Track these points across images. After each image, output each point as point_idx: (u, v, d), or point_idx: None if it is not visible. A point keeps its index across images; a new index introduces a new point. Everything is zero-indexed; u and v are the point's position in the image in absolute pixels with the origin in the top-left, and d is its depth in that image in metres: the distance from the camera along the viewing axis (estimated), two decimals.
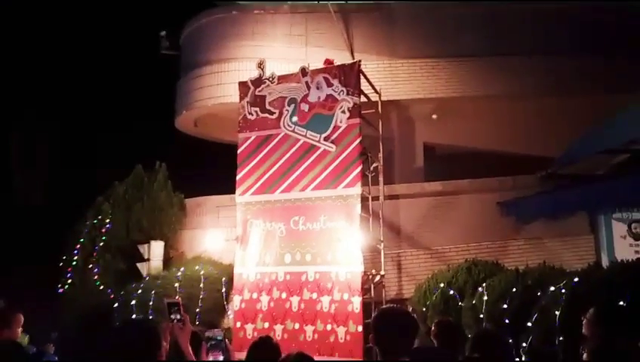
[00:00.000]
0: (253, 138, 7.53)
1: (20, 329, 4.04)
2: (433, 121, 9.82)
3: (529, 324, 4.94)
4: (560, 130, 8.99)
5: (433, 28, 9.38)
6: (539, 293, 5.25)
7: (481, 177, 8.64)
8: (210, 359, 2.45)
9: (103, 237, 8.41)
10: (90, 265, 8.24)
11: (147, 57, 11.77)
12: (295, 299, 6.66)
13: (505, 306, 5.46)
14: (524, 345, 4.81)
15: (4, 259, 10.85)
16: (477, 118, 9.85)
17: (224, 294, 7.31)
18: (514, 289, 5.58)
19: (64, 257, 8.55)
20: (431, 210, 8.40)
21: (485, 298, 5.76)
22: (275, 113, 7.48)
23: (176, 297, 2.98)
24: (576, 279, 4.99)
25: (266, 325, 6.65)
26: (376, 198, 7.70)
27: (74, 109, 14.67)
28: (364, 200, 7.04)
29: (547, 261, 6.46)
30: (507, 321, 5.20)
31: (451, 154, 10.32)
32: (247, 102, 7.66)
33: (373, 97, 8.09)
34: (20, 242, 11.67)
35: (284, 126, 7.38)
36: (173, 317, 2.75)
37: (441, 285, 6.67)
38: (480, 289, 6.09)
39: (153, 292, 7.27)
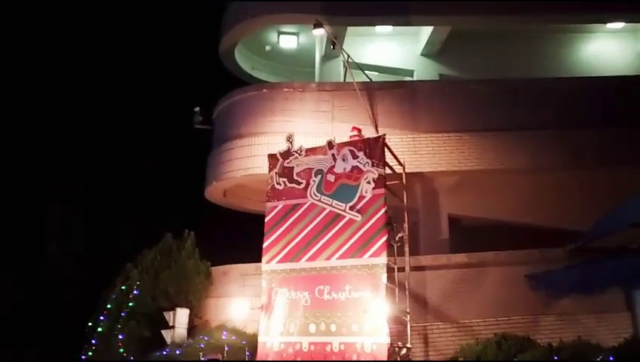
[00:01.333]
0: (280, 207, 7.72)
1: None
2: (457, 193, 9.90)
3: None
4: (587, 202, 8.97)
5: (455, 103, 9.74)
6: None
7: (507, 250, 8.56)
8: None
9: (130, 304, 8.49)
10: (115, 332, 8.27)
11: (181, 130, 12.37)
12: None
13: None
14: None
15: (33, 329, 10.92)
16: (501, 191, 9.91)
17: None
18: None
19: (89, 324, 8.61)
20: (457, 283, 8.29)
21: None
22: (302, 183, 7.71)
23: (217, 355, 3.01)
24: (611, 357, 4.80)
25: None
26: (401, 269, 7.67)
27: (104, 182, 15.28)
28: (389, 270, 7.02)
29: (582, 337, 6.24)
30: None
31: (477, 226, 10.27)
32: (276, 173, 7.94)
33: (398, 169, 8.30)
34: (49, 311, 11.79)
35: (310, 195, 7.58)
36: None
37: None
38: None
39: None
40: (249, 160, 9.74)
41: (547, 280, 8.03)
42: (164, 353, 7.61)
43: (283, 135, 8.30)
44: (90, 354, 8.32)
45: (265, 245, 7.58)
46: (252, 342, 7.35)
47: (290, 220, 7.57)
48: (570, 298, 7.94)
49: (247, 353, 7.31)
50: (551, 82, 10.24)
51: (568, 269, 8.08)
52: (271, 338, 6.94)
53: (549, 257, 8.33)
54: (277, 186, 7.86)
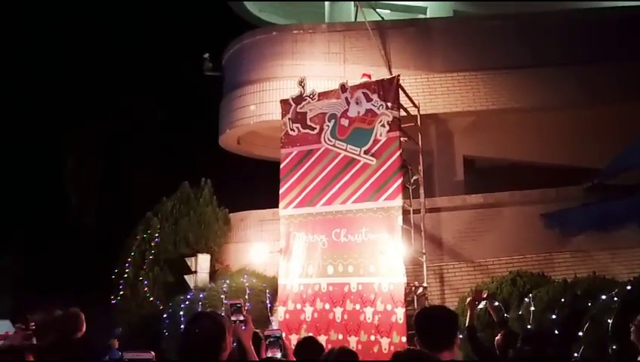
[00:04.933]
0: (295, 153, 7.73)
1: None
2: (473, 134, 9.80)
3: (580, 334, 4.84)
4: (601, 139, 8.83)
5: (469, 41, 9.43)
6: (589, 303, 5.14)
7: (522, 189, 8.55)
8: (269, 355, 2.57)
9: (152, 251, 8.76)
10: (140, 278, 8.59)
11: (192, 78, 12.25)
12: (338, 310, 6.74)
13: (554, 317, 5.37)
14: (575, 355, 4.71)
15: (60, 276, 11.37)
16: (517, 130, 9.78)
17: (268, 305, 7.45)
18: (562, 300, 5.48)
19: (116, 270, 8.94)
20: (473, 223, 8.36)
21: (532, 308, 5.68)
22: (316, 128, 7.67)
23: (239, 299, 3.10)
24: (629, 287, 4.87)
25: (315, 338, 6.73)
26: (417, 211, 7.74)
27: (122, 133, 15.36)
28: (405, 212, 7.09)
29: (596, 273, 6.32)
30: (557, 331, 5.10)
31: (492, 167, 10.24)
32: (289, 118, 7.89)
33: (412, 111, 8.19)
34: (74, 260, 12.21)
35: (324, 141, 7.56)
36: (235, 318, 2.88)
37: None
38: (526, 299, 6.00)
39: (200, 304, 7.49)
40: (261, 106, 9.67)
41: (562, 218, 8.04)
42: (189, 296, 7.91)
43: (294, 79, 8.19)
44: (119, 298, 8.70)
45: (281, 191, 7.66)
46: (272, 284, 7.61)
47: (306, 166, 7.60)
48: (585, 235, 7.94)
49: (268, 295, 7.57)
50: (567, 15, 9.82)
51: (584, 207, 8.06)
52: (290, 281, 7.16)
53: (564, 196, 8.31)
54: (290, 132, 7.84)
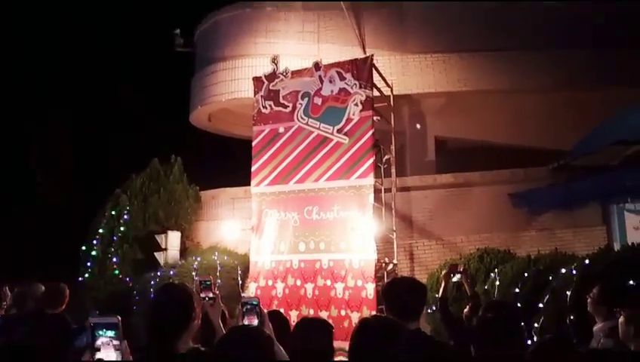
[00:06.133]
0: (267, 131, 7.67)
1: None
2: (444, 115, 9.92)
3: (540, 306, 5.02)
4: (571, 123, 9.05)
5: (443, 23, 9.49)
6: (550, 277, 5.33)
7: (492, 170, 8.73)
8: (246, 322, 2.56)
9: (122, 228, 8.62)
10: (109, 255, 8.46)
11: (162, 54, 11.98)
12: (309, 286, 6.79)
13: (517, 290, 5.55)
14: (535, 325, 4.89)
15: (27, 256, 11.10)
16: (488, 112, 9.94)
17: (239, 282, 7.45)
18: (525, 274, 5.66)
19: (83, 247, 8.77)
20: (442, 202, 8.51)
21: (497, 283, 5.85)
22: (288, 107, 7.61)
23: (208, 276, 3.08)
24: (587, 261, 5.06)
25: (281, 311, 6.77)
26: (388, 190, 7.81)
27: (89, 108, 14.95)
28: (376, 191, 7.14)
29: (558, 250, 6.55)
30: (520, 305, 5.28)
31: (463, 148, 10.40)
32: (262, 96, 7.80)
33: (386, 91, 8.21)
34: (41, 238, 11.93)
35: (297, 119, 7.51)
36: (204, 295, 2.85)
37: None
38: (492, 275, 6.18)
39: (170, 280, 7.42)
40: (233, 83, 9.56)
41: (529, 197, 8.27)
42: (159, 274, 7.84)
43: (268, 57, 8.08)
44: (86, 276, 8.55)
45: (253, 169, 7.60)
46: (244, 261, 7.59)
47: (278, 144, 7.55)
48: (550, 214, 8.22)
49: (240, 272, 7.56)
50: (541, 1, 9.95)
51: (550, 187, 8.31)
52: (262, 257, 7.17)
53: (532, 176, 8.54)
54: (263, 110, 7.76)
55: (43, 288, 4.46)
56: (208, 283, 2.90)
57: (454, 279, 4.56)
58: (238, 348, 2.05)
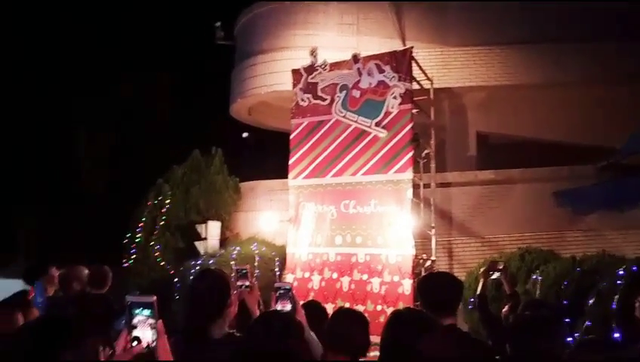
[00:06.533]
0: (305, 124, 7.68)
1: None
2: (487, 109, 9.67)
3: (585, 309, 4.85)
4: (619, 119, 8.65)
5: (485, 15, 9.22)
6: (596, 280, 5.13)
7: (535, 167, 8.46)
8: (279, 307, 2.60)
9: (163, 217, 8.87)
10: (152, 243, 8.73)
11: (204, 47, 12.18)
12: (346, 280, 6.79)
13: (560, 291, 5.37)
14: (580, 328, 4.73)
15: (73, 240, 11.57)
16: (531, 106, 9.62)
17: (277, 273, 7.53)
18: (569, 276, 5.47)
19: (128, 235, 9.07)
20: (483, 199, 8.33)
21: (539, 283, 5.68)
22: (326, 99, 7.60)
23: (245, 265, 3.15)
24: (634, 267, 4.85)
25: (319, 302, 6.80)
26: (427, 185, 7.71)
27: (134, 102, 15.39)
28: (415, 186, 7.06)
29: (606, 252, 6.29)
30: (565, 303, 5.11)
31: (505, 143, 10.13)
32: (300, 89, 7.82)
33: (425, 85, 8.09)
34: (86, 225, 12.41)
35: (335, 112, 7.50)
36: (240, 283, 2.91)
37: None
38: (534, 276, 6.00)
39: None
40: (272, 76, 9.61)
41: (574, 196, 7.95)
42: (199, 262, 8.03)
43: (306, 49, 8.08)
44: (130, 262, 8.85)
45: (291, 161, 7.65)
46: (281, 252, 7.67)
47: (316, 137, 7.56)
48: (596, 214, 7.89)
49: (277, 262, 7.64)
50: None
51: (597, 186, 7.98)
52: (299, 249, 7.22)
53: (578, 174, 8.21)
54: (301, 103, 7.78)
55: (87, 271, 4.61)
56: (245, 271, 2.96)
57: (493, 277, 4.45)
58: (268, 332, 2.07)
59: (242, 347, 2.11)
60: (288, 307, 2.58)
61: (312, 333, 2.59)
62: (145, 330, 1.98)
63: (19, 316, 3.24)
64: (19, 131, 15.57)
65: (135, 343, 1.95)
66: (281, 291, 2.61)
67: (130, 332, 1.97)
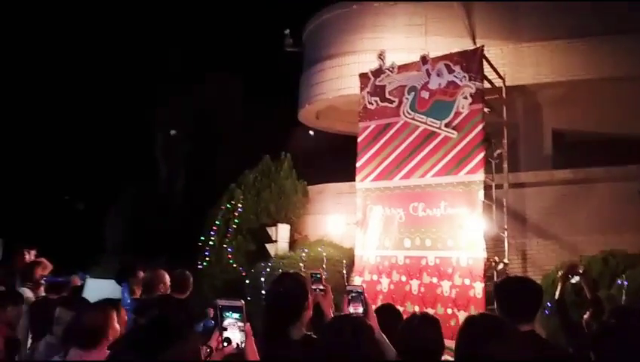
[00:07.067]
0: (372, 127, 7.70)
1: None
2: (563, 106, 9.23)
3: None
4: None
5: (559, 7, 8.79)
6: None
7: (616, 165, 7.96)
8: (352, 310, 2.66)
9: (236, 220, 9.25)
10: (225, 245, 9.11)
11: (273, 54, 12.53)
12: (415, 283, 6.75)
13: None
14: None
15: (153, 242, 12.26)
16: (611, 102, 9.06)
17: (345, 275, 7.61)
18: None
19: (202, 238, 9.53)
20: (560, 200, 7.95)
21: (625, 288, 5.34)
22: (394, 102, 7.58)
23: (319, 270, 3.25)
24: None
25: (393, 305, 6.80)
26: (499, 186, 7.48)
27: (206, 109, 16.09)
28: (487, 187, 6.87)
29: None
30: None
31: (583, 141, 9.61)
32: (368, 92, 7.85)
33: (497, 83, 7.86)
34: (164, 227, 13.11)
35: (403, 114, 7.45)
36: (314, 287, 3.01)
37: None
38: (619, 281, 5.66)
39: (280, 271, 7.80)
40: (340, 80, 9.71)
41: None
42: (270, 264, 8.28)
43: (374, 53, 8.10)
44: (205, 264, 9.29)
45: (358, 164, 7.70)
46: (349, 255, 7.75)
47: (383, 139, 7.55)
48: None
49: (344, 265, 7.72)
50: None
51: None
52: (367, 252, 7.25)
53: None
54: (369, 106, 7.81)
55: (167, 275, 4.76)
56: (318, 276, 3.06)
57: (573, 281, 4.24)
58: (340, 335, 2.13)
59: (316, 350, 2.20)
60: (360, 310, 2.63)
61: (384, 336, 2.63)
62: (234, 332, 2.14)
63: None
64: (105, 134, 16.81)
65: (226, 344, 2.11)
66: (354, 294, 2.67)
67: (221, 333, 2.14)
